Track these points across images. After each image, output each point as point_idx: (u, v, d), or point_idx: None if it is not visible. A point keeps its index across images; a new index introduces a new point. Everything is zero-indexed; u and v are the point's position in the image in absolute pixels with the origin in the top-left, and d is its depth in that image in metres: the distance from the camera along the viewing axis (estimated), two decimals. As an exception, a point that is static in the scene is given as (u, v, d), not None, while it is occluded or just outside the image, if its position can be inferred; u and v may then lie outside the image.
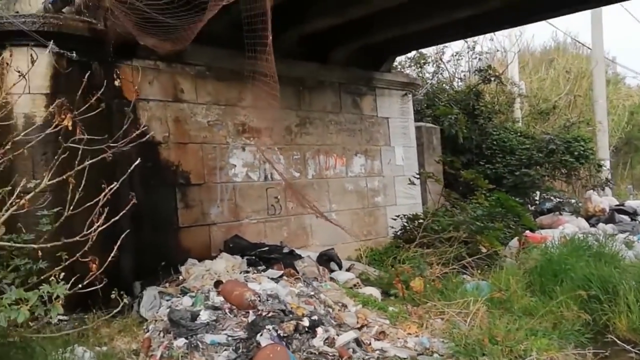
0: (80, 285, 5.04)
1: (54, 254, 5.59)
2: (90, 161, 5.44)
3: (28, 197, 5.29)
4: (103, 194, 5.27)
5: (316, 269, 9.67)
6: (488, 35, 23.31)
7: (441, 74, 21.47)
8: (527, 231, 13.86)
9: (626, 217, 17.01)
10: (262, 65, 7.49)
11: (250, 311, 6.94)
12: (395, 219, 13.43)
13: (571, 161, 18.68)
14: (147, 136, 7.21)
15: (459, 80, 22.09)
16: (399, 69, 16.91)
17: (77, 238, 5.11)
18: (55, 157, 5.40)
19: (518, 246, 12.37)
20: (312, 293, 8.16)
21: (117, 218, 5.34)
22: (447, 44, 20.18)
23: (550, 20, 21.25)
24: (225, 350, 6.42)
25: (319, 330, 6.79)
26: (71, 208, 5.26)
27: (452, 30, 12.97)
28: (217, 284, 7.83)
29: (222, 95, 10.79)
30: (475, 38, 21.23)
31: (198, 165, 10.34)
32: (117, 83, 8.11)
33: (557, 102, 25.16)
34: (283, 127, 11.69)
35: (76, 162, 5.39)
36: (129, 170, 5.73)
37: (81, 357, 6.36)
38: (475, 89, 18.91)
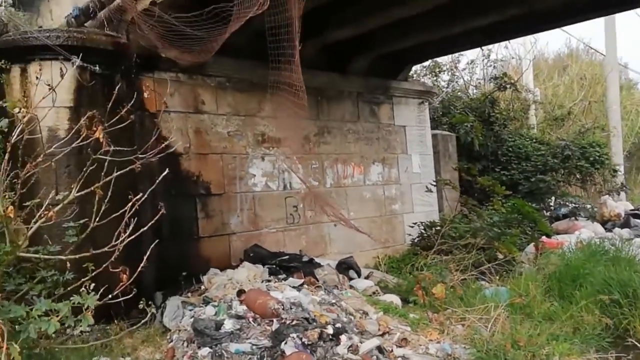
0: (110, 296, 5.04)
1: (79, 265, 5.59)
2: (118, 173, 5.47)
3: (56, 209, 5.31)
4: (129, 204, 5.28)
5: (336, 277, 9.64)
6: (503, 43, 23.24)
7: (456, 82, 21.48)
8: (544, 237, 13.78)
9: (641, 222, 16.84)
10: (288, 76, 7.47)
11: (274, 319, 6.91)
12: (412, 227, 13.39)
13: (586, 166, 18.62)
14: (171, 147, 7.22)
15: (474, 87, 22.07)
16: (414, 78, 16.88)
17: (106, 249, 5.13)
18: (84, 169, 5.40)
19: (535, 252, 12.27)
20: (334, 301, 8.15)
21: (145, 228, 5.35)
22: (462, 53, 20.13)
23: (564, 28, 21.18)
24: (250, 359, 6.39)
25: (343, 337, 6.75)
26: (97, 219, 5.29)
27: (470, 39, 12.91)
28: (240, 293, 7.81)
29: (241, 106, 10.82)
30: (490, 46, 21.29)
31: (218, 175, 10.36)
32: (146, 95, 8.13)
33: (571, 108, 25.04)
34: (302, 137, 11.67)
35: (102, 173, 5.42)
36: (157, 181, 5.74)
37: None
38: (490, 97, 18.88)
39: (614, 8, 11.98)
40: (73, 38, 8.40)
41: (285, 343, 6.43)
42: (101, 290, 5.01)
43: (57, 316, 4.62)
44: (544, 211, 17.57)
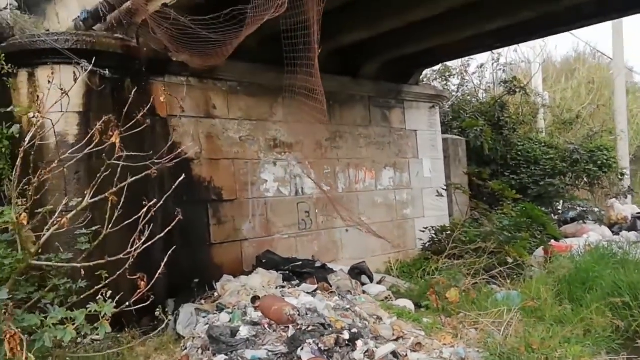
0: (127, 304, 4.91)
1: (90, 273, 5.47)
2: (133, 179, 5.36)
3: (70, 215, 5.19)
4: (143, 210, 5.18)
5: (349, 282, 9.58)
6: (512, 47, 23.16)
7: (466, 86, 21.41)
8: (552, 240, 13.68)
9: (648, 224, 16.80)
10: (305, 80, 7.37)
11: (290, 326, 6.82)
12: (423, 231, 13.30)
13: (595, 170, 18.61)
14: (180, 152, 7.11)
15: (484, 91, 22.02)
16: (425, 82, 16.78)
17: (122, 256, 5.01)
18: (98, 175, 5.28)
19: (544, 255, 12.18)
20: (348, 306, 8.04)
21: (162, 235, 5.23)
22: (472, 57, 20.02)
23: (573, 32, 21.11)
24: (267, 365, 6.32)
25: (359, 343, 6.63)
26: (109, 226, 5.18)
27: (481, 42, 12.85)
28: (254, 299, 7.70)
29: (253, 111, 10.70)
30: (500, 50, 21.21)
31: (230, 181, 10.23)
32: (162, 99, 8.03)
33: (580, 112, 24.98)
34: (314, 142, 11.58)
35: (115, 179, 5.32)
36: (173, 187, 5.67)
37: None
38: (500, 101, 18.80)
39: (620, 13, 12.03)
40: (82, 42, 8.28)
41: (302, 349, 6.34)
42: (117, 297, 4.88)
43: (73, 324, 4.49)
44: (552, 215, 17.44)
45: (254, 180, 10.60)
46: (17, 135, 6.15)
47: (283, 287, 8.66)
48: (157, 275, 5.01)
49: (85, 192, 5.31)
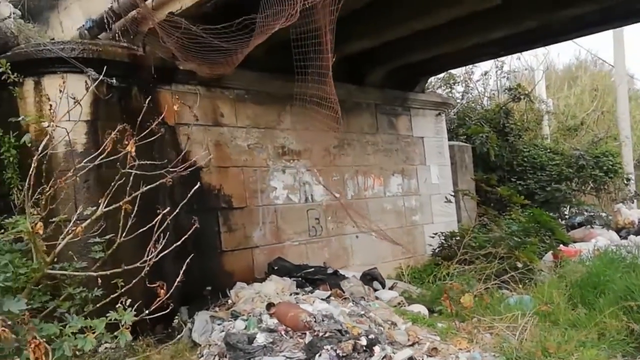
0: (147, 312, 4.84)
1: (106, 281, 5.42)
2: (147, 187, 5.29)
3: (85, 224, 5.12)
4: (157, 218, 5.12)
5: (362, 288, 9.52)
6: (515, 55, 23.17)
7: (470, 93, 21.41)
8: (561, 245, 13.67)
9: (655, 228, 16.82)
10: (318, 88, 7.32)
11: (307, 332, 6.75)
12: (432, 237, 13.25)
13: (601, 175, 18.66)
14: (194, 160, 7.03)
15: (488, 98, 22.03)
16: (430, 90, 16.76)
17: (139, 264, 4.95)
18: (112, 184, 5.22)
19: (553, 260, 12.25)
20: (362, 312, 7.97)
21: (178, 243, 5.17)
22: (476, 64, 20.03)
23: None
24: (285, 372, 6.26)
25: (376, 349, 6.56)
26: (120, 235, 5.12)
27: (486, 50, 12.89)
28: (269, 306, 7.62)
29: (261, 119, 10.64)
30: (503, 57, 21.24)
31: (239, 188, 10.16)
32: (176, 108, 7.98)
33: (584, 119, 24.99)
34: (322, 149, 11.52)
35: (128, 188, 5.25)
36: (189, 195, 5.62)
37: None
38: (504, 107, 18.80)
39: (623, 21, 12.13)
40: (89, 50, 8.22)
41: (320, 355, 6.27)
42: (135, 306, 4.82)
43: (93, 333, 4.42)
44: (560, 220, 17.42)
45: (263, 188, 10.54)
46: (30, 145, 6.07)
47: (297, 294, 8.61)
48: (175, 283, 4.95)
49: (99, 201, 5.25)
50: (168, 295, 4.98)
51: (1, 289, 4.53)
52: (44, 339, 4.14)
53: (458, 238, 12.58)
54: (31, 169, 5.14)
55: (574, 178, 18.61)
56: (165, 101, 9.12)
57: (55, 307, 5.59)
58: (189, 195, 5.66)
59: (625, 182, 20.18)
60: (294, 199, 11.01)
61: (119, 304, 4.72)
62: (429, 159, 14.20)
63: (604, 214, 18.02)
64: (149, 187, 5.35)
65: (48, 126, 5.46)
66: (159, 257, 5.08)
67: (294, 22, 6.40)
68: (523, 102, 19.75)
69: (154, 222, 5.12)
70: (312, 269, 9.86)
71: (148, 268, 5.00)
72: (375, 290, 10.23)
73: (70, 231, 5.06)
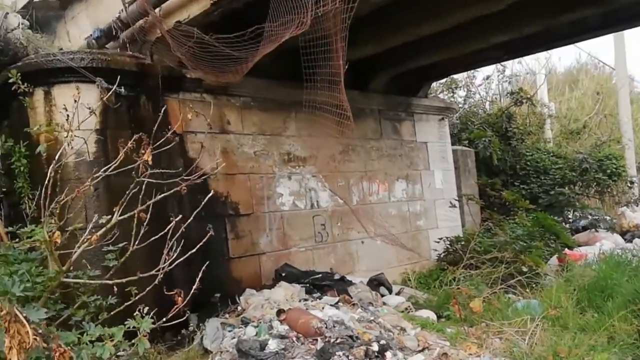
0: (164, 319, 4.89)
1: (119, 289, 5.45)
2: (162, 195, 5.35)
3: (100, 232, 5.18)
4: (170, 226, 5.17)
5: (370, 294, 9.55)
6: (517, 59, 23.24)
7: (472, 97, 21.44)
8: (566, 249, 13.69)
9: (659, 231, 16.82)
10: (328, 95, 7.36)
11: (318, 338, 6.80)
12: (437, 242, 13.26)
13: (604, 179, 18.53)
14: (207, 169, 7.10)
15: (490, 103, 22.07)
16: (433, 95, 16.81)
17: (153, 272, 5.00)
18: (127, 192, 5.27)
19: (559, 264, 12.21)
20: (372, 318, 8.03)
21: (194, 250, 5.22)
22: (478, 69, 20.11)
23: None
24: (297, 378, 6.30)
25: (388, 354, 6.62)
26: (131, 242, 5.17)
27: (490, 55, 12.91)
28: (279, 312, 7.67)
29: (267, 126, 10.70)
30: (505, 62, 21.17)
31: (246, 195, 10.21)
32: (189, 116, 8.02)
33: (586, 122, 25.02)
34: (328, 155, 11.57)
35: (140, 196, 5.31)
36: (203, 202, 5.67)
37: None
38: (507, 111, 18.85)
39: (625, 24, 11.98)
40: (97, 60, 8.27)
41: (332, 361, 6.30)
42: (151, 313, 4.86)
43: (112, 341, 4.47)
44: (564, 223, 17.41)
45: (269, 194, 10.59)
46: (44, 154, 6.13)
47: (306, 300, 8.65)
48: (192, 291, 4.97)
49: (113, 209, 5.29)
50: (175, 302, 5.02)
51: (21, 298, 4.56)
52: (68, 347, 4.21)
53: (463, 243, 12.59)
54: (47, 179, 5.20)
55: (578, 182, 18.56)
56: (173, 109, 9.21)
57: (69, 316, 5.64)
58: (203, 202, 5.71)
59: (629, 185, 20.14)
60: (300, 205, 11.05)
61: (137, 312, 4.75)
62: (433, 163, 14.23)
63: (608, 218, 18.04)
64: (163, 195, 5.40)
65: (67, 136, 5.48)
66: (166, 264, 5.13)
67: (304, 30, 6.44)
68: (525, 105, 19.79)
69: (166, 230, 5.16)
70: (320, 275, 9.91)
71: (162, 276, 5.04)
72: (382, 295, 10.25)
73: (85, 239, 5.11)
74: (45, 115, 8.20)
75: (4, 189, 8.42)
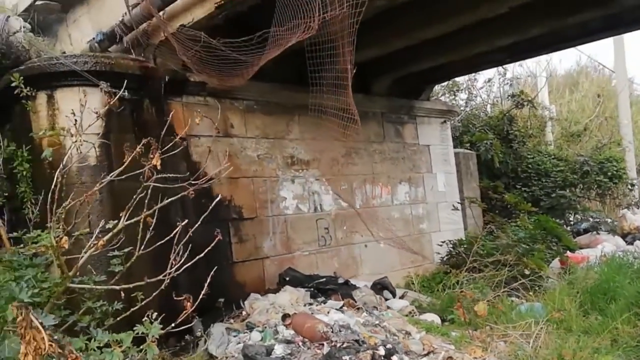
0: (173, 325, 4.85)
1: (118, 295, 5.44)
2: (169, 200, 5.32)
3: (107, 237, 5.14)
4: (177, 230, 5.13)
5: (374, 298, 9.51)
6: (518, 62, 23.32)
7: (473, 100, 21.45)
8: (568, 251, 13.71)
9: (660, 233, 16.86)
10: (334, 99, 7.33)
11: (324, 343, 6.77)
12: (440, 245, 13.23)
13: (605, 181, 18.63)
14: (215, 173, 7.07)
15: (492, 105, 22.09)
16: (434, 97, 16.80)
17: (161, 277, 4.96)
18: (134, 197, 5.22)
19: (561, 266, 12.26)
20: (377, 322, 8.01)
21: (201, 255, 5.18)
22: (479, 72, 20.11)
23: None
24: (304, 383, 6.27)
25: (394, 358, 6.60)
26: (141, 247, 5.13)
27: (492, 58, 12.93)
28: (285, 317, 7.65)
29: (270, 129, 10.66)
30: (507, 64, 21.15)
31: (249, 199, 10.17)
32: (197, 121, 7.98)
33: (587, 125, 25.05)
34: (331, 158, 11.54)
35: (146, 201, 5.26)
36: (210, 207, 5.63)
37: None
38: (508, 114, 18.85)
39: (627, 27, 12.04)
40: (101, 63, 8.21)
41: (339, 366, 6.27)
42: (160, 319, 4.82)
43: (120, 347, 4.44)
44: (565, 226, 17.41)
45: (273, 198, 10.55)
46: (50, 158, 6.08)
47: (311, 304, 8.62)
48: (201, 296, 4.96)
49: (114, 214, 5.28)
50: (178, 307, 4.99)
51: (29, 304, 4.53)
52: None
53: (466, 246, 12.56)
54: (54, 183, 5.15)
55: (579, 184, 18.58)
56: (176, 113, 9.12)
57: (74, 322, 5.61)
58: (210, 207, 5.67)
59: (630, 187, 20.18)
60: (304, 208, 11.01)
61: (146, 317, 4.71)
62: (435, 166, 14.20)
63: (609, 220, 18.08)
64: (170, 199, 5.36)
65: (75, 141, 5.44)
66: (174, 269, 5.09)
67: (312, 34, 6.40)
68: (526, 108, 19.79)
69: (172, 235, 5.13)
70: (324, 279, 9.85)
71: (159, 281, 5.01)
72: (386, 299, 10.21)
73: (92, 244, 5.07)
74: (48, 119, 8.12)
75: (6, 194, 8.34)
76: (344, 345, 6.61)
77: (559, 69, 33.74)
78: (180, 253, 5.07)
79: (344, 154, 11.87)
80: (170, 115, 6.20)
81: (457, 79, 19.83)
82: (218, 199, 5.77)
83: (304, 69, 7.57)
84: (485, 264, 11.48)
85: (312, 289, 9.32)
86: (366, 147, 12.43)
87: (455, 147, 15.79)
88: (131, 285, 5.13)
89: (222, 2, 7.49)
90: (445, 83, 19.42)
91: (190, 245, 5.24)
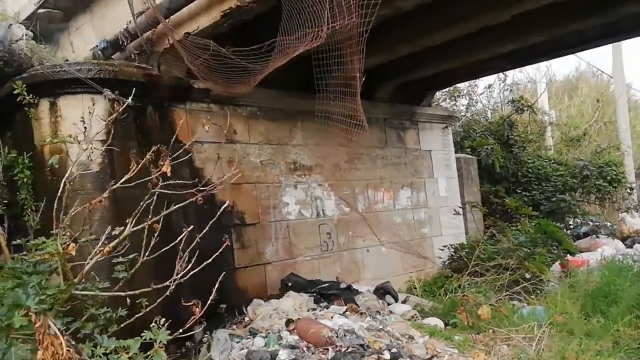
0: (181, 331, 4.81)
1: (121, 301, 5.37)
2: (176, 207, 5.28)
3: (113, 244, 5.10)
4: (182, 236, 5.11)
5: (377, 303, 9.49)
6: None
7: (474, 106, 21.46)
8: (568, 255, 13.76)
9: (659, 237, 16.91)
10: (340, 105, 7.32)
11: (329, 348, 6.74)
12: (442, 250, 13.23)
13: (605, 186, 18.62)
14: (219, 181, 7.04)
15: (492, 111, 22.12)
16: (435, 103, 16.80)
17: (168, 283, 4.92)
18: (141, 204, 5.18)
19: (562, 270, 12.29)
20: (381, 327, 7.99)
21: (210, 261, 5.15)
22: (481, 78, 20.16)
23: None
24: (309, 388, 6.24)
25: (399, 363, 6.58)
26: (146, 254, 5.09)
27: (494, 64, 13.01)
28: (288, 322, 7.62)
29: (273, 135, 10.62)
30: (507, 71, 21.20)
31: (252, 205, 10.12)
32: (207, 128, 7.92)
33: (586, 130, 25.10)
34: (333, 164, 11.53)
35: (151, 207, 5.22)
36: (218, 214, 5.61)
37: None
38: (508, 120, 18.87)
39: (626, 35, 12.08)
40: (105, 71, 8.19)
41: (344, 371, 6.24)
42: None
43: (127, 353, 4.40)
44: (565, 230, 17.45)
45: (275, 204, 10.50)
46: (57, 166, 6.06)
47: (314, 309, 8.59)
48: (209, 302, 4.95)
49: (121, 221, 5.23)
50: (180, 314, 4.97)
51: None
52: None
53: (468, 250, 12.55)
54: (61, 191, 5.13)
55: (579, 188, 18.63)
56: (180, 119, 9.12)
57: (77, 329, 5.57)
58: (218, 214, 5.66)
59: (629, 191, 20.17)
60: (306, 214, 10.97)
61: (154, 324, 4.68)
62: (437, 172, 14.19)
63: (608, 224, 18.14)
64: (178, 206, 5.33)
65: (85, 149, 5.42)
66: (180, 276, 5.06)
67: (321, 42, 6.38)
68: (526, 114, 19.81)
69: (177, 241, 5.10)
70: (327, 285, 9.83)
71: (162, 287, 4.97)
72: (389, 304, 10.18)
73: (98, 251, 5.04)
74: (51, 127, 8.09)
75: (6, 201, 8.28)
76: (350, 350, 6.59)
77: (558, 75, 33.86)
78: (184, 260, 5.02)
79: (347, 159, 11.86)
80: (180, 124, 6.09)
81: (458, 85, 19.84)
82: (218, 205, 5.71)
83: (310, 75, 7.57)
84: (487, 268, 11.48)
85: (315, 295, 9.27)
86: (369, 153, 12.41)
87: (456, 152, 15.76)
88: (137, 292, 5.08)
89: (229, 10, 7.45)
90: (447, 89, 19.40)
91: (194, 251, 5.20)
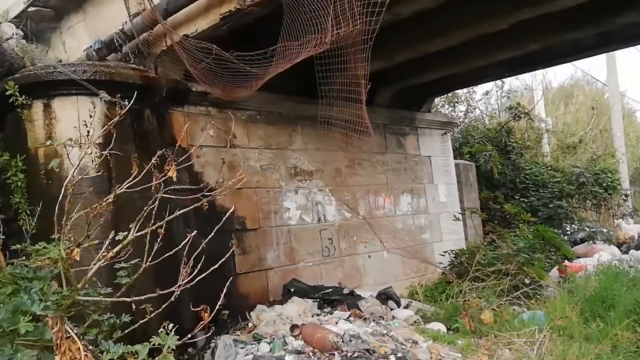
0: (189, 336, 4.69)
1: (121, 307, 5.39)
2: (181, 211, 5.15)
3: (116, 249, 4.96)
4: (186, 241, 4.97)
5: (380, 307, 9.43)
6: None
7: (472, 112, 21.47)
8: (566, 260, 13.83)
9: (654, 243, 17.08)
10: (343, 110, 7.22)
11: (335, 353, 6.68)
12: (443, 255, 13.16)
13: (600, 192, 18.89)
14: (223, 187, 6.89)
15: (490, 117, 22.19)
16: (434, 109, 16.77)
17: (173, 289, 4.79)
18: (145, 209, 5.04)
19: (560, 275, 12.43)
20: (385, 331, 7.93)
21: (215, 267, 5.03)
22: (479, 85, 20.25)
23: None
24: (316, 393, 6.14)
25: (404, 367, 6.49)
26: (149, 259, 4.97)
27: (492, 71, 13.13)
28: (293, 328, 7.52)
29: (273, 139, 10.49)
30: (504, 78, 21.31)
31: (253, 210, 9.99)
32: (211, 133, 7.78)
33: (582, 137, 25.20)
34: (333, 169, 11.44)
35: (154, 212, 5.09)
36: (223, 219, 5.48)
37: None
38: (506, 126, 18.97)
39: (620, 44, 12.37)
40: (101, 72, 8.01)
41: (350, 375, 6.16)
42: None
43: (135, 358, 4.28)
44: (563, 235, 17.44)
45: (276, 209, 10.37)
46: (57, 169, 5.91)
47: (318, 315, 8.53)
48: (217, 307, 4.87)
49: (120, 225, 5.11)
50: (182, 319, 4.86)
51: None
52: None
53: (468, 255, 12.47)
54: (62, 194, 4.98)
55: (575, 195, 18.79)
56: (178, 122, 9.01)
57: (81, 334, 5.43)
58: (223, 219, 5.52)
59: (624, 198, 20.36)
60: (307, 219, 10.85)
61: (162, 329, 4.55)
62: (437, 177, 14.16)
63: (604, 230, 18.21)
64: (182, 211, 5.19)
65: (91, 152, 5.31)
66: (177, 280, 4.93)
67: (325, 48, 6.28)
68: (523, 120, 19.91)
69: (180, 246, 4.97)
70: (329, 290, 9.72)
71: (163, 293, 4.85)
72: (391, 309, 10.11)
73: (101, 256, 4.91)
74: (45, 129, 7.89)
75: (-1, 205, 8.10)
76: (355, 355, 6.56)
77: (554, 82, 34.06)
78: (187, 265, 4.89)
79: (347, 164, 11.78)
80: (178, 127, 5.94)
81: (456, 91, 19.83)
82: (229, 212, 5.55)
83: (310, 80, 7.51)
84: (487, 273, 11.41)
85: (318, 300, 9.18)
86: (369, 158, 12.34)
87: (455, 158, 15.75)
88: (142, 297, 4.95)
89: (228, 13, 7.34)
90: (445, 95, 19.38)
91: (195, 256, 5.08)
